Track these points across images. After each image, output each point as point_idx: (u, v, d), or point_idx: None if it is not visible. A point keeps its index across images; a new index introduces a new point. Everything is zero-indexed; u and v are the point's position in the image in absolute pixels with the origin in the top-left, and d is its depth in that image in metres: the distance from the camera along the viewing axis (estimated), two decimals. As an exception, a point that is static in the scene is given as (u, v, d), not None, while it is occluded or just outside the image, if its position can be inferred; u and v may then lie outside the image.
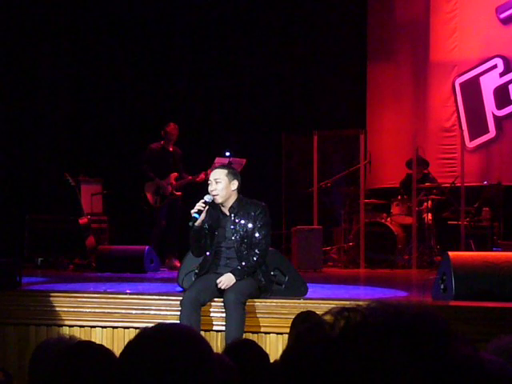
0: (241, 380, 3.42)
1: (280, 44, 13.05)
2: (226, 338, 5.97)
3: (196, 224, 6.25)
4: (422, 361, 1.01)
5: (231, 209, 6.32)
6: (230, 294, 6.04)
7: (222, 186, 6.26)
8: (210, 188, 6.30)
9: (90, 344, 2.86)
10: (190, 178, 10.67)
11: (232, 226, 6.29)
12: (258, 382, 3.32)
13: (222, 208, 6.36)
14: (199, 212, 6.23)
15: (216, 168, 6.57)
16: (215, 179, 6.28)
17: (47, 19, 12.78)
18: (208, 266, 6.38)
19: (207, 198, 6.28)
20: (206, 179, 10.32)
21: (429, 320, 1.05)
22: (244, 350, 3.80)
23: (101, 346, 2.85)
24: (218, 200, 6.27)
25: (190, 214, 6.29)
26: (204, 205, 6.24)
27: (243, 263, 6.21)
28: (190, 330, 1.90)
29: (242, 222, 6.28)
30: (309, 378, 1.04)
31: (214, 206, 6.34)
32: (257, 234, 6.25)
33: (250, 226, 6.26)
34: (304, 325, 1.07)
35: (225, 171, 6.37)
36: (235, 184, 6.31)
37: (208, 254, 6.42)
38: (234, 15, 13.05)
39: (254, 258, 6.22)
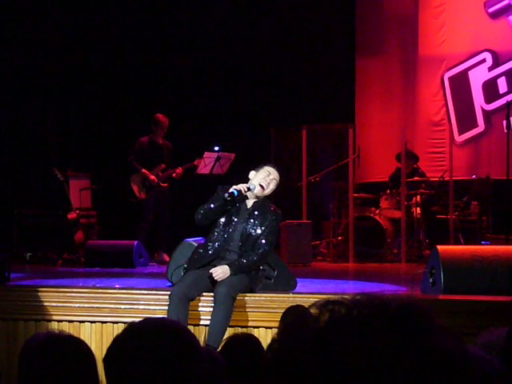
0: (239, 373, 3.43)
1: (268, 38, 13.02)
2: (209, 329, 5.95)
3: (229, 199, 6.28)
4: (407, 353, 1.01)
5: (254, 203, 6.43)
6: (222, 287, 6.02)
7: (272, 186, 6.45)
8: (264, 179, 6.40)
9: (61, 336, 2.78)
10: (170, 171, 10.65)
11: (247, 217, 6.36)
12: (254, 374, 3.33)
13: (247, 201, 6.45)
14: (239, 192, 6.28)
15: (273, 168, 6.58)
16: (273, 178, 6.45)
17: (33, 12, 12.73)
18: (200, 260, 6.35)
19: (252, 186, 6.37)
20: (194, 171, 10.38)
21: (414, 312, 1.05)
22: (243, 344, 3.81)
23: (71, 336, 2.75)
24: (259, 193, 6.39)
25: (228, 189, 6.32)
26: (247, 190, 6.34)
27: (242, 260, 6.22)
28: (176, 324, 1.90)
29: (256, 220, 6.35)
30: (293, 370, 1.04)
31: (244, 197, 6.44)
32: (263, 239, 6.33)
33: (259, 227, 6.34)
34: (289, 318, 1.08)
35: (278, 176, 6.53)
36: (273, 189, 6.48)
37: (201, 250, 6.41)
38: (223, 10, 13.02)
39: (254, 258, 6.26)
